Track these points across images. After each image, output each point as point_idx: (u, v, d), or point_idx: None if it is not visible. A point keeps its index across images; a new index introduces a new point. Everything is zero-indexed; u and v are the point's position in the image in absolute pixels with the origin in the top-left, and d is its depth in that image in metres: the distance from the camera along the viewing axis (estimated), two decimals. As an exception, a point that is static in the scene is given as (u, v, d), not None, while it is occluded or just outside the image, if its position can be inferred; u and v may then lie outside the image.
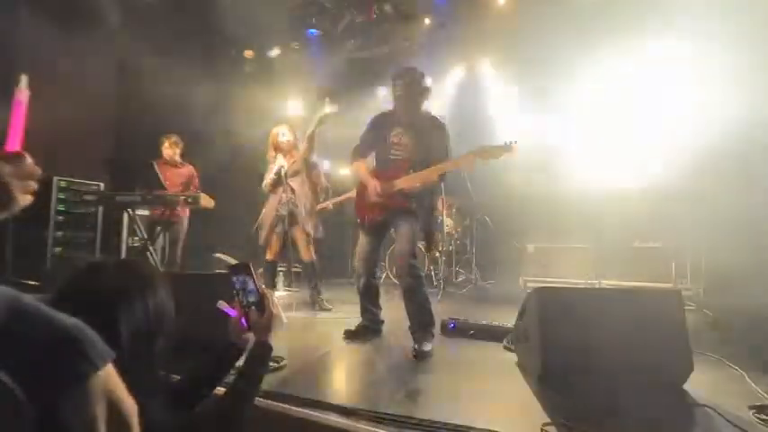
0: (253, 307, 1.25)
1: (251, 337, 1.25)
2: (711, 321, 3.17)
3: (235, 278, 1.27)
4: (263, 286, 1.28)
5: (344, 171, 6.06)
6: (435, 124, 2.72)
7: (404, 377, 2.07)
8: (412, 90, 2.63)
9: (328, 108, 3.34)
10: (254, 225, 3.76)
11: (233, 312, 1.27)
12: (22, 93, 0.80)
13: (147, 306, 0.95)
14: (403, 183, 2.61)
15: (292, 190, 3.65)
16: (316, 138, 3.61)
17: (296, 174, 3.71)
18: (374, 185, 2.64)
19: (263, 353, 1.21)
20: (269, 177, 3.67)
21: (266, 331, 1.22)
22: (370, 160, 2.86)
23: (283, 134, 3.73)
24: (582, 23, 4.78)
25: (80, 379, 0.59)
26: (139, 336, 0.92)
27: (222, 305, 1.30)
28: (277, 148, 3.72)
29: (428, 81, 2.69)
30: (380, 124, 2.82)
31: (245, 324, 1.25)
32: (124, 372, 0.67)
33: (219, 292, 1.39)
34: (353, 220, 2.89)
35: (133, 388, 0.68)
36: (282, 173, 3.63)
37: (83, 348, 0.60)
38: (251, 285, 1.26)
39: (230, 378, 1.23)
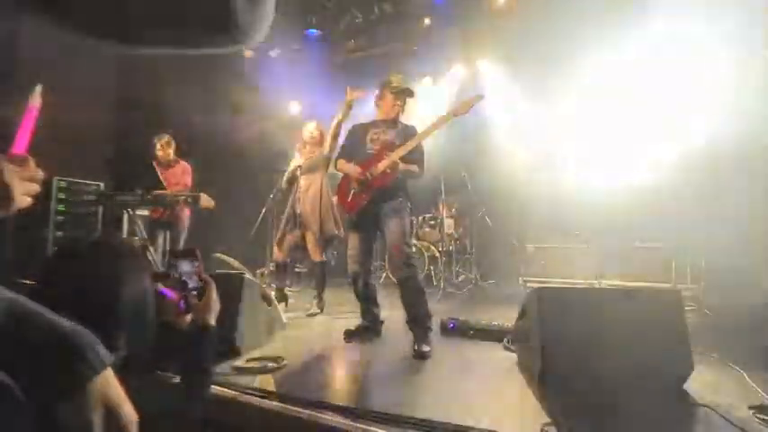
0: (193, 292, 1.32)
1: (187, 319, 1.31)
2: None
3: (178, 263, 1.33)
4: (206, 274, 1.36)
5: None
6: (407, 125, 2.87)
7: (404, 377, 2.07)
8: (400, 94, 2.76)
9: (354, 93, 3.24)
10: (255, 226, 3.77)
11: (171, 294, 1.31)
12: (36, 101, 0.82)
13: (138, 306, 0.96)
14: (384, 164, 2.64)
15: (301, 189, 3.66)
16: (342, 128, 3.50)
17: (311, 171, 3.71)
18: (355, 168, 2.71)
19: (205, 331, 1.28)
20: (284, 176, 3.74)
21: (204, 313, 1.30)
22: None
23: (309, 129, 3.77)
24: (583, 19, 4.76)
25: (79, 383, 0.59)
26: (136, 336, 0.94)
27: (160, 287, 1.35)
28: (301, 142, 3.78)
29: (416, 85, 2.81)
30: (357, 132, 2.90)
31: (182, 307, 1.30)
32: (123, 376, 0.66)
33: (220, 292, 1.39)
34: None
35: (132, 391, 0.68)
36: (298, 172, 3.68)
37: (82, 352, 0.60)
38: (194, 272, 1.34)
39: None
